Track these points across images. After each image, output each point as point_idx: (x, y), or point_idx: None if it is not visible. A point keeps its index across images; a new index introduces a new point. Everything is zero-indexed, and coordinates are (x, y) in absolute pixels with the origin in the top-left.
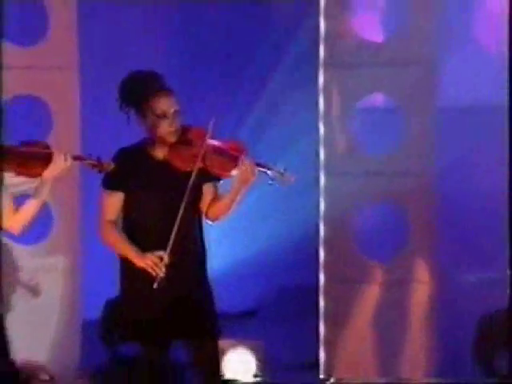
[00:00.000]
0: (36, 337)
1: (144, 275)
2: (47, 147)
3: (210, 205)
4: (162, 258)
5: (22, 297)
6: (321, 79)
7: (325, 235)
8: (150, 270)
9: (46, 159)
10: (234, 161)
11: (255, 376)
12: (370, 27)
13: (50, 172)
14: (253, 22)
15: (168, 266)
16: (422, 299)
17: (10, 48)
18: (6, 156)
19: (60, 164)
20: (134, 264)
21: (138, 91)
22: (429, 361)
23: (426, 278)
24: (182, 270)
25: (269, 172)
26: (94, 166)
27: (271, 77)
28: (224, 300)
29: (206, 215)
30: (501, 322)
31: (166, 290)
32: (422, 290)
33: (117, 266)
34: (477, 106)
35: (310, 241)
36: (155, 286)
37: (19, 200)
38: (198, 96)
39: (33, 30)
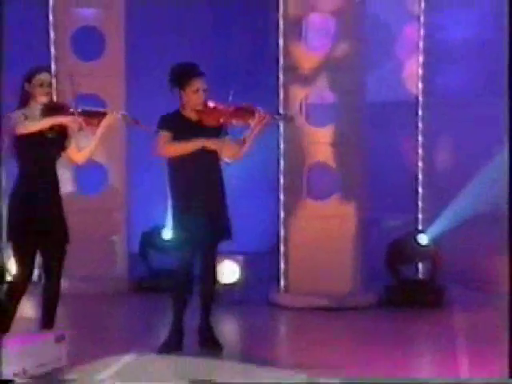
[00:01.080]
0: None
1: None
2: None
3: (227, 149)
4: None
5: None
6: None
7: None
8: (207, 144)
9: (102, 115)
10: (252, 113)
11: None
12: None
13: (104, 123)
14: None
15: (204, 188)
16: (351, 229)
17: (79, 62)
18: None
19: (110, 118)
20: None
21: (184, 74)
22: (356, 271)
23: (353, 215)
24: (212, 190)
25: (276, 116)
26: (135, 122)
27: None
28: None
29: (226, 156)
30: (403, 245)
31: (202, 209)
32: (350, 222)
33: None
34: (393, 102)
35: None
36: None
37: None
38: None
39: (93, 50)
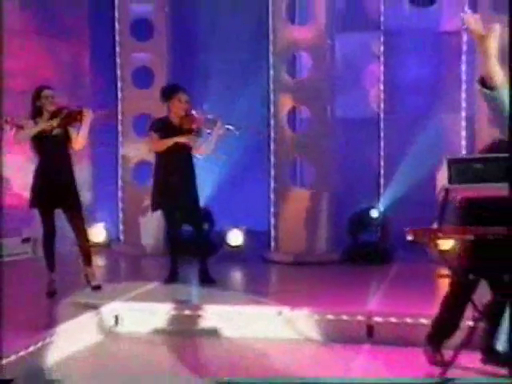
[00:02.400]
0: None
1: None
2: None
3: (198, 147)
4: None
5: None
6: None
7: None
8: (184, 140)
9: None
10: (215, 123)
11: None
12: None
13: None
14: None
15: (178, 166)
16: (323, 207)
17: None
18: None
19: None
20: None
21: (170, 89)
22: (326, 237)
23: (323, 197)
24: (184, 178)
25: (230, 127)
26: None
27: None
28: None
29: (197, 152)
30: (360, 217)
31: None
32: (322, 202)
33: None
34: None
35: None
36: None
37: None
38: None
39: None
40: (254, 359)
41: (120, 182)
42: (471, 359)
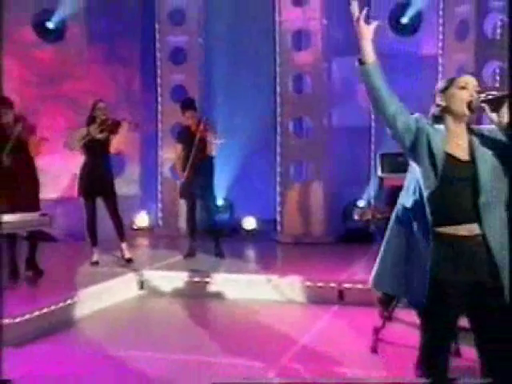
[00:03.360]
0: None
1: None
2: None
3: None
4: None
5: None
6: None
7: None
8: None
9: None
10: (214, 132)
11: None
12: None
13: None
14: None
15: (191, 171)
16: (320, 198)
17: (173, 104)
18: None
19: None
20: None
21: (181, 107)
22: (323, 222)
23: (321, 190)
24: (198, 175)
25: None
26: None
27: None
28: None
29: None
30: (351, 207)
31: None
32: (319, 194)
33: None
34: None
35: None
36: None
37: None
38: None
39: (181, 96)
40: (249, 316)
41: (160, 178)
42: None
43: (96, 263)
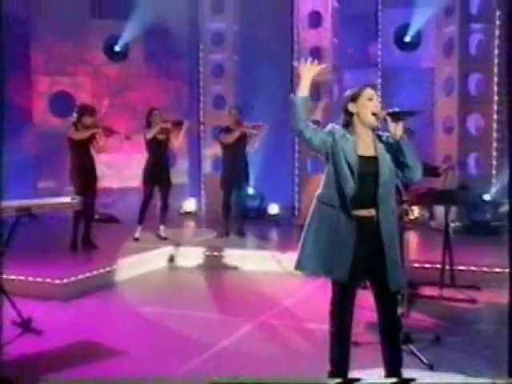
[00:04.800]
0: None
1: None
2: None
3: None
4: None
5: None
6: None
7: None
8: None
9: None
10: (257, 128)
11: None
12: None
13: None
14: None
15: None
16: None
17: (214, 111)
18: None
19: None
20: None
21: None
22: None
23: None
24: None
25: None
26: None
27: None
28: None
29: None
30: None
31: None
32: None
33: None
34: None
35: None
36: None
37: None
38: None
39: (220, 104)
40: (251, 285)
41: (203, 170)
42: None
43: (137, 239)
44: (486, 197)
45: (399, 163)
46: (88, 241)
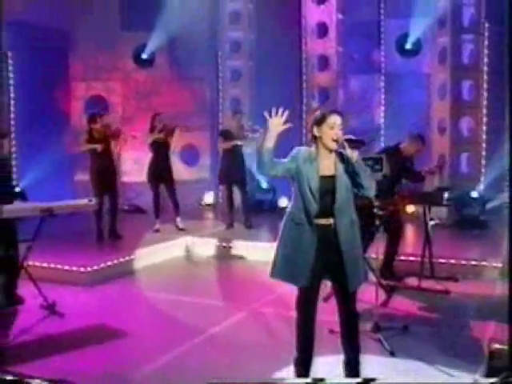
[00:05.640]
0: None
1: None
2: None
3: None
4: None
5: None
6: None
7: None
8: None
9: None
10: (255, 132)
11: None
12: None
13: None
14: None
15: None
16: None
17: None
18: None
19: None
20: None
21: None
22: None
23: None
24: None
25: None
26: None
27: None
28: None
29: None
30: None
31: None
32: None
33: None
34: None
35: None
36: None
37: None
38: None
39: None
40: (254, 273)
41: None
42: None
43: (157, 230)
44: (475, 193)
45: (355, 182)
46: (114, 232)
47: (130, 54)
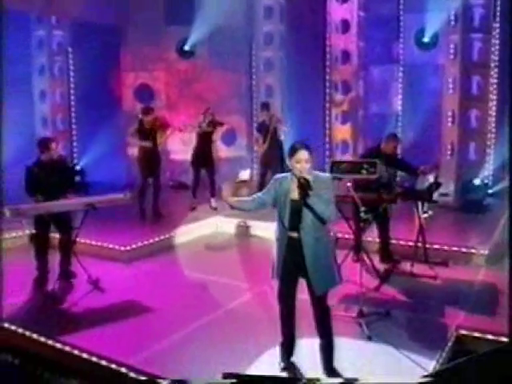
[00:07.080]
0: None
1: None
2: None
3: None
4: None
5: None
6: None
7: None
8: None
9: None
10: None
11: None
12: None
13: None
14: None
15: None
16: None
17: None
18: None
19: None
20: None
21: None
22: None
23: None
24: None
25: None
26: None
27: None
28: None
29: None
30: None
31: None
32: None
33: None
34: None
35: None
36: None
37: None
38: None
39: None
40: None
41: (256, 147)
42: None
43: (194, 208)
44: (478, 180)
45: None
46: (156, 211)
47: (173, 46)
